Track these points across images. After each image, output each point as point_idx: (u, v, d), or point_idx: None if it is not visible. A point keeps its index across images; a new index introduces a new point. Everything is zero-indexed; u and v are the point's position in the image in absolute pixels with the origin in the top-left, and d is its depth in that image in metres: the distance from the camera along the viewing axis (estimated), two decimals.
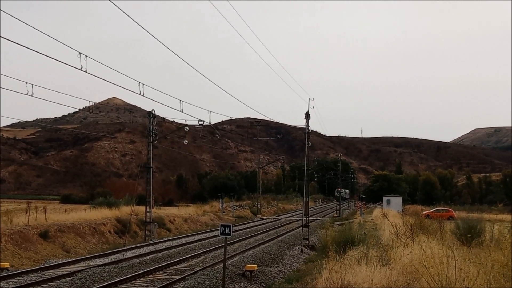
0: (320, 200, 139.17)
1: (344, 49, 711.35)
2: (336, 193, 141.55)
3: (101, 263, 24.22)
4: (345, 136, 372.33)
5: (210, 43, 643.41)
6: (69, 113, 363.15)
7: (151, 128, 38.07)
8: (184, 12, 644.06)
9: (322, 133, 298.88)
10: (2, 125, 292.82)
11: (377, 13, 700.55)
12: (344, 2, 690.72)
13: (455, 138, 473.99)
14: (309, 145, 36.83)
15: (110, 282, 18.97)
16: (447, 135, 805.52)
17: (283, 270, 24.11)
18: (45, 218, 35.07)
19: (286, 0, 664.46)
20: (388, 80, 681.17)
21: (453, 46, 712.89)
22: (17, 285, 18.59)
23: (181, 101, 32.13)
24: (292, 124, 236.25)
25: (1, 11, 17.78)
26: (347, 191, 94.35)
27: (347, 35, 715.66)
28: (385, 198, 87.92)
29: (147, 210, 37.85)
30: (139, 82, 26.88)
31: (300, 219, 49.62)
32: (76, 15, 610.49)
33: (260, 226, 53.28)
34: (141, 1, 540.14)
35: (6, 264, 22.64)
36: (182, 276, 20.86)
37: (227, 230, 17.65)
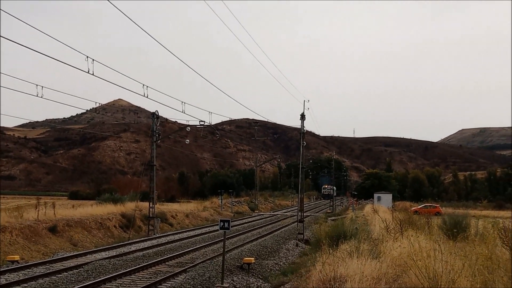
0: (314, 197, 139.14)
1: (338, 53, 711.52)
2: (322, 190, 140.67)
3: (107, 256, 24.19)
4: (339, 136, 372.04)
5: (211, 47, 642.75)
6: (77, 114, 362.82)
7: (155, 128, 38.05)
8: (185, 18, 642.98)
9: (317, 133, 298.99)
10: (13, 125, 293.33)
11: (366, 18, 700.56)
12: (336, 6, 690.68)
13: (442, 138, 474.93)
14: (304, 144, 36.84)
15: (115, 274, 18.94)
16: (435, 135, 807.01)
17: (279, 263, 24.11)
18: (54, 213, 35.03)
19: (282, 0, 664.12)
20: (379, 83, 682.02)
21: (441, 49, 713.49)
22: (27, 276, 18.55)
23: (183, 103, 32.06)
24: (288, 125, 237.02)
25: (13, 17, 17.75)
26: (334, 187, 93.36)
27: (340, 39, 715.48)
28: (376, 195, 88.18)
29: (151, 206, 37.83)
30: (143, 85, 26.79)
31: (295, 215, 49.64)
32: (84, 21, 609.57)
33: (258, 221, 53.26)
34: (144, 6, 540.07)
35: (16, 257, 22.61)
36: (183, 268, 20.83)
37: (226, 225, 17.61)
